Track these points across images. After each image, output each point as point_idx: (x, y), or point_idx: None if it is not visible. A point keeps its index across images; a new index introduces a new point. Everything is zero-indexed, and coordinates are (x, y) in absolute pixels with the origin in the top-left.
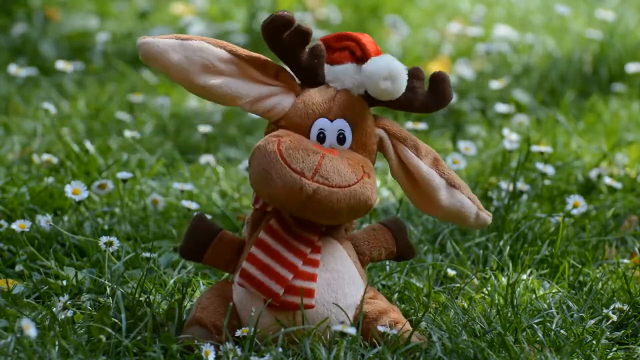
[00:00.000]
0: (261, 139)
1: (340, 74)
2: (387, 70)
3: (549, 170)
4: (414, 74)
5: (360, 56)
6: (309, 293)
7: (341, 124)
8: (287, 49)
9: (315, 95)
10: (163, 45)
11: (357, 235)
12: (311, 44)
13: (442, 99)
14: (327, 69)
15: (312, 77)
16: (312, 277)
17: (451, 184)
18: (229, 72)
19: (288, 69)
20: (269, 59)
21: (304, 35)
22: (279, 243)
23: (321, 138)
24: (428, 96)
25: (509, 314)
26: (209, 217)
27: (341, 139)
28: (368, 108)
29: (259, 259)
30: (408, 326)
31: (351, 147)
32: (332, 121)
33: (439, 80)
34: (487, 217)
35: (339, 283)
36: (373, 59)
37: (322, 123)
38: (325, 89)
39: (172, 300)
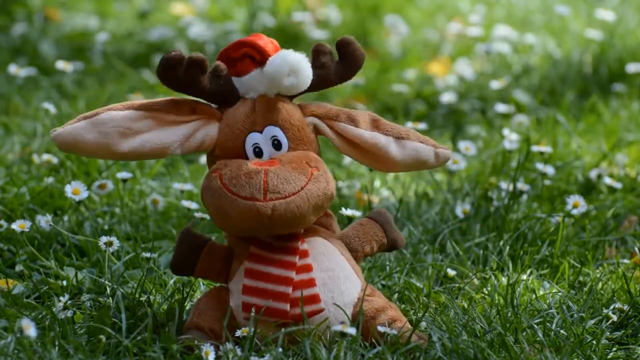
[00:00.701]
0: (204, 179)
1: (250, 83)
2: (287, 66)
3: (549, 170)
4: (318, 51)
5: (260, 59)
6: (315, 299)
7: (271, 130)
8: (188, 83)
9: (236, 114)
10: (73, 130)
11: (347, 233)
12: (211, 67)
13: (355, 62)
14: (237, 82)
15: (224, 98)
16: (311, 283)
17: (398, 137)
18: (146, 128)
19: (201, 100)
20: (179, 98)
21: (197, 63)
22: (266, 264)
23: (258, 152)
24: (340, 65)
25: (509, 314)
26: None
27: (277, 145)
28: (290, 102)
29: (253, 287)
30: (407, 324)
31: (289, 148)
32: (261, 132)
33: (344, 45)
34: (446, 151)
35: (335, 282)
36: (271, 60)
37: (253, 137)
38: (243, 103)
39: (173, 301)
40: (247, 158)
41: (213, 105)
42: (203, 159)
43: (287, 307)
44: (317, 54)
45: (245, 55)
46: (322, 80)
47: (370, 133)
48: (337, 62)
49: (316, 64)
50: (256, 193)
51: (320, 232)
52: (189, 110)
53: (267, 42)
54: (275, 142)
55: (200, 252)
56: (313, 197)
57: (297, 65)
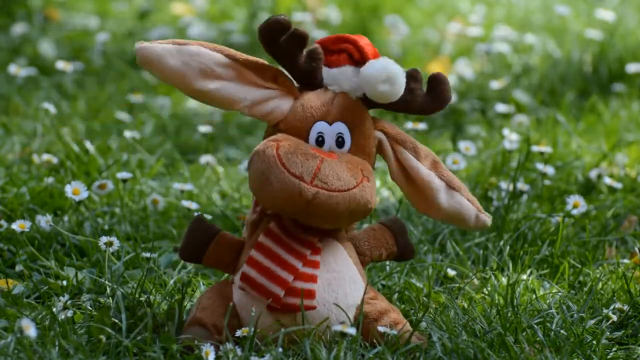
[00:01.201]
0: (260, 144)
1: (338, 76)
2: (385, 73)
3: (549, 170)
4: (412, 76)
5: (358, 59)
6: (310, 294)
7: (340, 127)
8: (284, 53)
9: (313, 99)
10: (161, 50)
11: (358, 236)
12: (309, 47)
13: (441, 101)
14: (325, 72)
15: (310, 81)
16: (312, 279)
17: (450, 186)
18: (226, 76)
19: (286, 72)
20: (267, 63)
21: (301, 39)
22: (279, 246)
23: (320, 141)
24: (426, 98)
25: (509, 314)
26: (209, 217)
27: (340, 142)
28: (367, 111)
29: (259, 262)
30: (408, 326)
31: (350, 150)
32: (330, 124)
33: (437, 81)
34: (487, 218)
35: (340, 283)
36: (371, 62)
37: (320, 126)
38: (324, 92)
39: (172, 301)
40: (307, 142)
41: (295, 82)
42: (203, 159)
43: (282, 293)
44: (410, 79)
45: (343, 51)
46: (404, 104)
47: (428, 171)
48: (424, 94)
49: (406, 87)
50: (306, 175)
51: (333, 232)
52: (271, 77)
53: (368, 45)
54: (340, 139)
55: (211, 241)
56: (354, 202)
57: (395, 76)
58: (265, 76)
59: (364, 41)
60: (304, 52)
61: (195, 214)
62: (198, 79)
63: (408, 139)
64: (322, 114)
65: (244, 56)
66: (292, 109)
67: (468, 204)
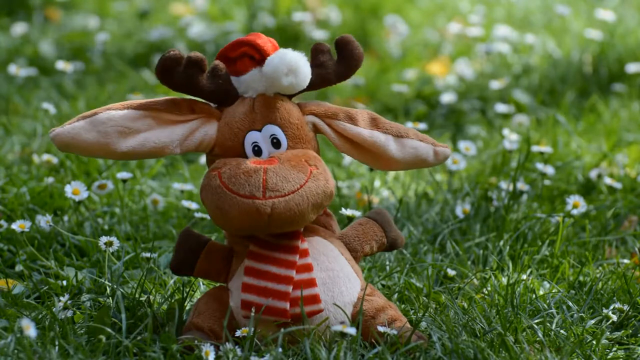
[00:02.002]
0: (203, 178)
1: (248, 82)
2: (285, 65)
3: (549, 170)
4: (318, 50)
5: (259, 59)
6: (315, 299)
7: (270, 129)
8: (187, 83)
9: (235, 113)
10: (72, 129)
11: (347, 233)
12: (210, 66)
13: (354, 61)
14: (235, 81)
15: (224, 97)
16: (311, 283)
17: (397, 135)
18: (145, 128)
19: (199, 99)
20: (178, 97)
21: (197, 63)
22: (266, 263)
23: (257, 151)
24: (339, 65)
25: (509, 314)
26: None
27: (276, 143)
28: (289, 102)
29: (253, 285)
30: (407, 323)
31: (288, 146)
32: (260, 130)
33: (343, 43)
34: (445, 149)
35: (335, 281)
36: (269, 59)
37: (252, 136)
38: (242, 102)
39: (172, 301)
40: (246, 157)
41: (212, 104)
42: (203, 159)
43: (287, 305)
44: (315, 53)
45: (244, 55)
46: (321, 79)
47: (369, 131)
48: (336, 61)
49: (315, 63)
50: (255, 191)
51: (320, 231)
52: (188, 109)
53: (266, 42)
54: (275, 140)
55: (200, 252)
56: (312, 195)
57: (296, 65)
58: (182, 110)
59: (260, 39)
60: (206, 73)
61: (185, 228)
62: (119, 142)
63: (339, 109)
64: (249, 124)
65: (154, 101)
66: (219, 131)
67: (421, 144)
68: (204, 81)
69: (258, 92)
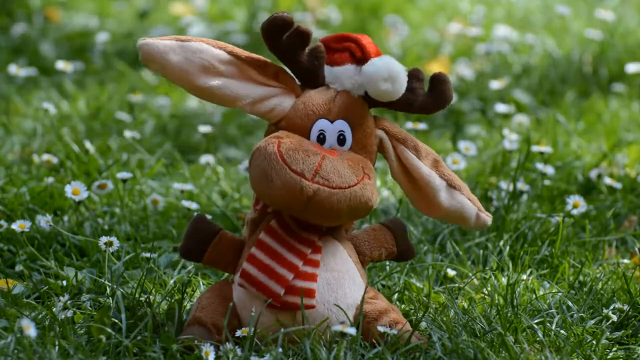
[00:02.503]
0: (261, 140)
1: (340, 75)
2: (387, 71)
3: (549, 170)
4: (414, 75)
5: (360, 57)
6: (310, 293)
7: (341, 125)
8: (286, 51)
9: (315, 97)
10: (163, 46)
11: (358, 236)
12: (311, 45)
13: (442, 100)
14: (327, 70)
15: (312, 79)
16: (312, 277)
17: (451, 185)
18: (228, 73)
19: (288, 70)
20: (269, 60)
21: (303, 36)
22: (280, 244)
23: (321, 139)
24: (428, 97)
25: (509, 314)
26: (209, 217)
27: (341, 140)
28: (368, 109)
29: (259, 259)
30: (408, 326)
31: (351, 148)
32: (332, 122)
33: (439, 81)
34: (487, 218)
35: (339, 283)
36: (373, 60)
37: (322, 124)
38: (326, 90)
39: (172, 300)
40: (309, 140)
41: (297, 80)
42: (203, 159)
43: (282, 291)
44: (411, 77)
45: (346, 49)
46: (405, 103)
47: (429, 170)
48: (426, 93)
49: (408, 86)
50: (307, 172)
51: (333, 232)
52: (273, 74)
53: (370, 43)
54: (341, 137)
55: (212, 239)
56: (355, 200)
57: (397, 74)
58: (267, 74)
59: (366, 40)
60: (307, 50)
61: (195, 213)
62: (200, 76)
63: (409, 137)
64: (324, 112)
65: (246, 53)
66: (294, 107)
67: (469, 203)
68: (303, 56)
69: (344, 88)
